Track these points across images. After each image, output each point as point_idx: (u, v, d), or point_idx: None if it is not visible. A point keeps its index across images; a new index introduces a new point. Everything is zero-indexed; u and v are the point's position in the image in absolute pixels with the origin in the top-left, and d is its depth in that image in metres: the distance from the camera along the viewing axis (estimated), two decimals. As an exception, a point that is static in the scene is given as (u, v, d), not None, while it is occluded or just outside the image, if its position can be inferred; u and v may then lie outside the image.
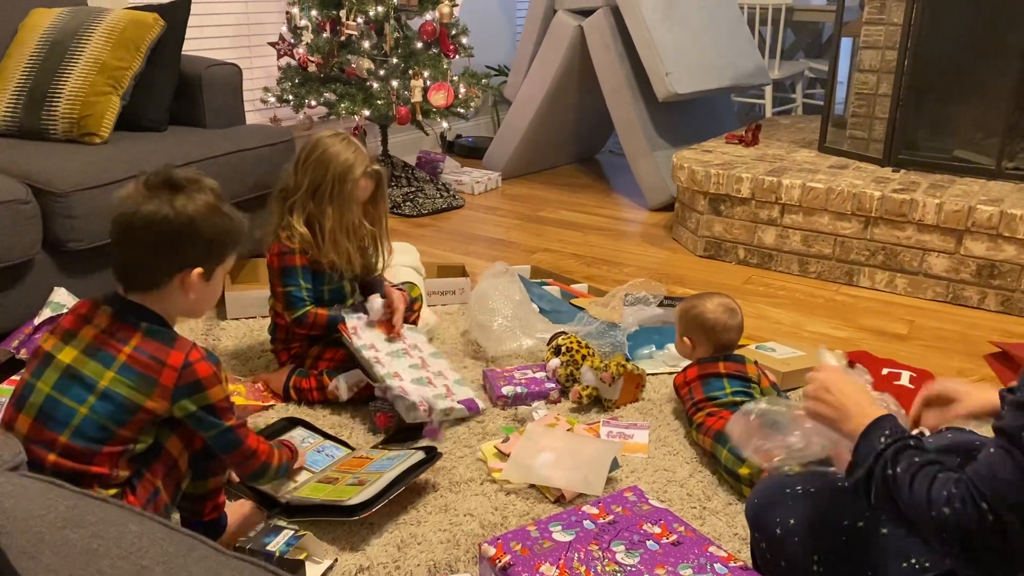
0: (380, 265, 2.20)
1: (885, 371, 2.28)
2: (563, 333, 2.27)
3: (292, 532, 1.50)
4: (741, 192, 3.15)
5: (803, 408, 1.18)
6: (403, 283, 2.32)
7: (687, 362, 2.31)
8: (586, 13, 3.92)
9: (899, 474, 1.00)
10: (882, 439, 1.04)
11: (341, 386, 2.02)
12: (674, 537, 1.46)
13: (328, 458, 1.79)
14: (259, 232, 2.14)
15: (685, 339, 2.07)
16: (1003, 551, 0.95)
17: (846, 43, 3.54)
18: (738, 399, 1.87)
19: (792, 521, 1.23)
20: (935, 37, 3.09)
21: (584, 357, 2.14)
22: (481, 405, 2.04)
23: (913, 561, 1.12)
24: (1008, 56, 2.95)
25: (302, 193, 2.03)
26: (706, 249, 3.28)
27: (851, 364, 1.45)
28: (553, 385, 2.13)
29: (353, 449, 1.85)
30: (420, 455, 1.72)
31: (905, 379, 2.24)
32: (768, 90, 4.95)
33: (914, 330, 2.63)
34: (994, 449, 0.97)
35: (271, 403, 2.05)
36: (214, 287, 1.42)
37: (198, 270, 1.35)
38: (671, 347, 2.35)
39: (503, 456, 1.82)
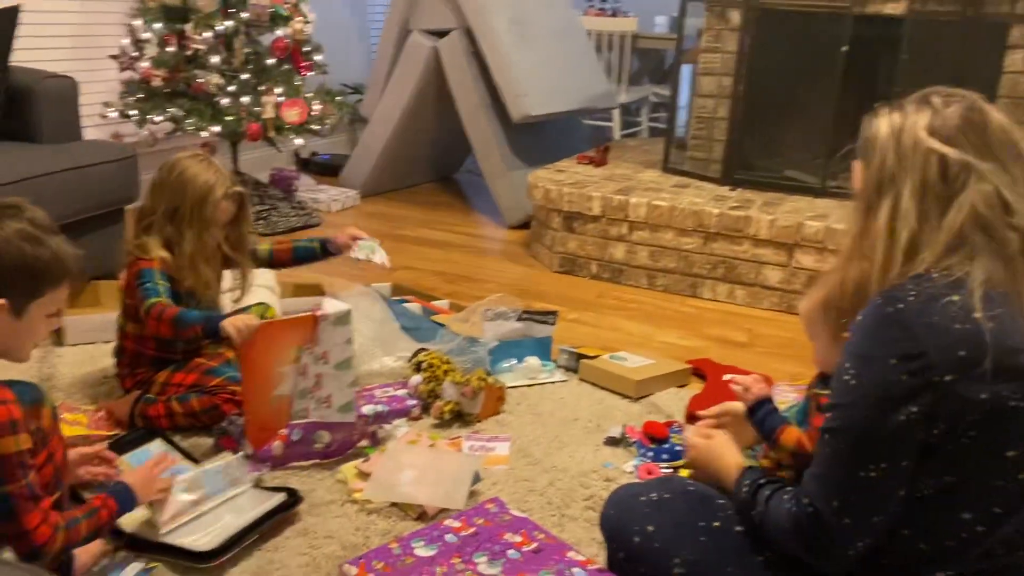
0: (243, 290, 2.14)
1: (727, 377, 2.41)
2: (424, 350, 2.28)
3: (141, 566, 1.43)
4: (592, 210, 3.27)
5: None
6: (255, 304, 2.27)
7: (547, 374, 2.35)
8: (441, 34, 3.97)
9: (758, 510, 1.18)
10: (744, 489, 1.24)
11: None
12: (535, 545, 1.50)
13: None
14: (115, 256, 2.05)
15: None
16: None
17: (687, 70, 3.75)
18: None
19: (651, 528, 1.27)
20: (765, 65, 3.34)
21: (446, 372, 2.15)
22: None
23: (769, 555, 1.21)
24: (828, 84, 3.22)
25: (159, 216, 1.96)
26: (561, 265, 3.38)
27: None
28: (415, 402, 2.13)
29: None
30: (281, 497, 1.68)
31: (746, 384, 2.38)
32: (616, 113, 5.17)
33: (753, 338, 2.81)
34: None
35: (115, 432, 1.95)
36: (28, 325, 1.29)
37: None
38: (531, 360, 2.40)
39: (364, 476, 1.80)
